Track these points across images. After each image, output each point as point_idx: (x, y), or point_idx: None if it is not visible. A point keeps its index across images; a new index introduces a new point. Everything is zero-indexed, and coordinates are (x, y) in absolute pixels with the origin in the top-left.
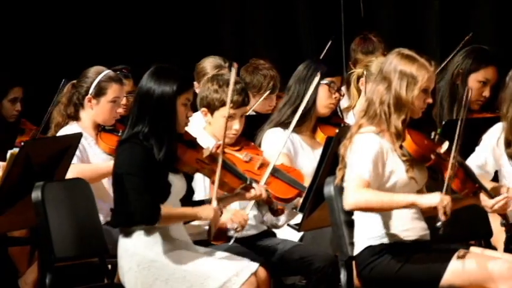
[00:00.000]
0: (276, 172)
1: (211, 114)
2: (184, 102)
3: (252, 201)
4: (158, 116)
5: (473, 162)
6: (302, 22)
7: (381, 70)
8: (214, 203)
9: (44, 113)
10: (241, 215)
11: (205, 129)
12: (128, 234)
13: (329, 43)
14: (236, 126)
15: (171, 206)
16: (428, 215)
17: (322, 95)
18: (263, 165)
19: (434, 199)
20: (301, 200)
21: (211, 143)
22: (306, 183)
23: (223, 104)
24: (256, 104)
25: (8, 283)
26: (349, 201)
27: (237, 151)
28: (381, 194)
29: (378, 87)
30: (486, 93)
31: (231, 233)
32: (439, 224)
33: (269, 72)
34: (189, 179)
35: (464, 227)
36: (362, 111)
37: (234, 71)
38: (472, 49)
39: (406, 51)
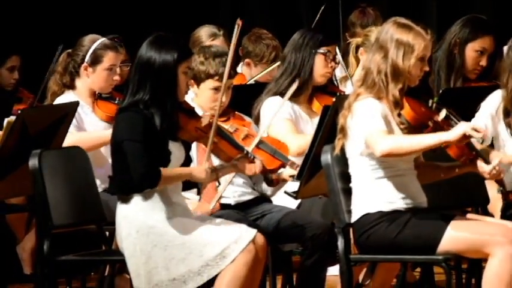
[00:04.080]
0: (260, 144)
1: (198, 86)
2: (184, 70)
3: (229, 181)
4: (159, 85)
5: None
6: None
7: (377, 39)
8: (206, 164)
9: (41, 82)
10: (204, 208)
11: (193, 100)
12: (126, 200)
13: (321, 9)
14: (223, 98)
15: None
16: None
17: (319, 65)
18: (247, 136)
19: (460, 128)
20: (284, 170)
21: (200, 114)
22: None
23: (208, 76)
24: (259, 76)
25: (6, 250)
26: (381, 147)
27: (224, 122)
28: (409, 136)
29: (375, 56)
30: (483, 62)
31: None
32: (480, 141)
33: (272, 42)
34: (187, 147)
35: (461, 194)
36: (359, 80)
37: (237, 28)
38: (470, 18)
39: (402, 20)
